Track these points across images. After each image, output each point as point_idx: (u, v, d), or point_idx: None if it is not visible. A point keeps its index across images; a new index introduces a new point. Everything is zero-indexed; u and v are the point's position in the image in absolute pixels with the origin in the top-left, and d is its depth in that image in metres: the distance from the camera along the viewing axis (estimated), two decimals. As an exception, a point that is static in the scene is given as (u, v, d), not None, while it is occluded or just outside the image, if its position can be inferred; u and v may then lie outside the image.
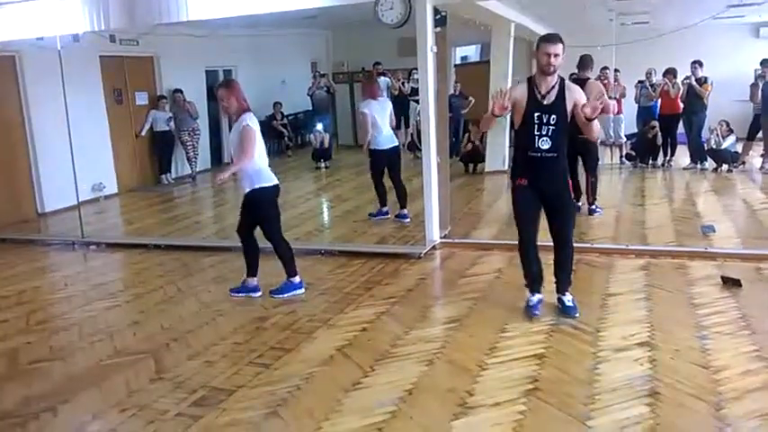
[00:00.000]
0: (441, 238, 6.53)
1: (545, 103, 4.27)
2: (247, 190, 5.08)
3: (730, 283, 5.00)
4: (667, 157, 10.70)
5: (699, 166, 10.25)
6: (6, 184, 8.64)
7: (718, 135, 10.00)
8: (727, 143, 10.00)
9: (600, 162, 7.86)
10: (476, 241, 6.56)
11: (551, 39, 4.23)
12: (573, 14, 10.16)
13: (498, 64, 10.11)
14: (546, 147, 4.28)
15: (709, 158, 10.19)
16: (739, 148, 10.12)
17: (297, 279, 5.33)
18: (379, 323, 4.63)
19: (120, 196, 10.17)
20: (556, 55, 4.17)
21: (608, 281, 5.31)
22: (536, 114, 4.27)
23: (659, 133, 10.52)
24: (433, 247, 6.38)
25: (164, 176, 10.97)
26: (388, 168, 7.51)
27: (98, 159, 9.60)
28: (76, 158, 7.75)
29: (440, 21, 6.28)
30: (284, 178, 11.34)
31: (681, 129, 10.49)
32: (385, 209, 7.67)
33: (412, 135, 11.82)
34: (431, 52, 6.20)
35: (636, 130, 11.19)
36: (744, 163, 10.16)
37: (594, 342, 4.11)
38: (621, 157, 11.17)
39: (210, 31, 10.26)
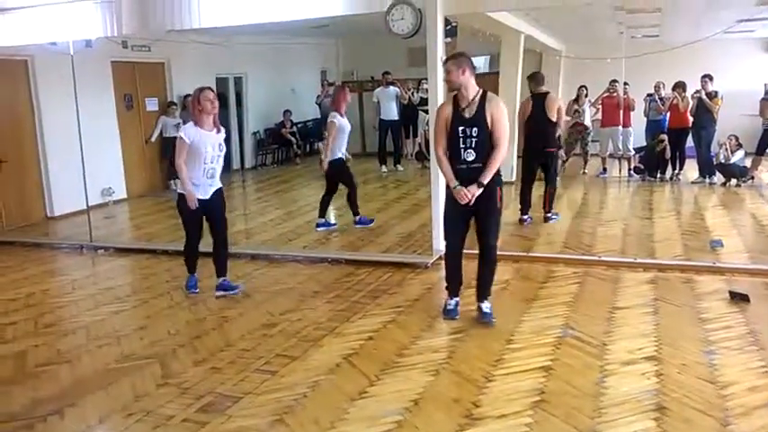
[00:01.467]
0: (448, 248, 6.52)
1: (467, 116, 4.52)
2: (220, 186, 5.50)
3: (738, 298, 4.99)
4: (676, 171, 10.68)
5: (707, 180, 10.23)
6: (17, 188, 8.70)
7: (727, 149, 9.99)
8: (736, 158, 9.98)
9: (559, 174, 8.27)
10: (483, 252, 6.56)
11: (444, 61, 4.68)
12: (583, 27, 10.18)
13: (507, 75, 10.12)
14: (471, 158, 4.53)
15: (717, 173, 10.17)
16: (748, 162, 10.09)
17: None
18: (386, 332, 4.63)
19: (128, 201, 10.22)
20: (448, 72, 4.53)
21: (615, 294, 5.30)
22: (460, 128, 4.53)
23: (668, 147, 10.51)
24: (440, 257, 6.36)
25: (172, 182, 10.97)
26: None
27: (108, 164, 9.65)
28: (86, 163, 7.81)
29: (450, 31, 6.32)
30: (292, 186, 11.46)
31: (690, 142, 10.48)
32: (322, 220, 7.76)
33: (420, 145, 11.85)
34: (441, 62, 6.21)
35: (645, 144, 11.18)
36: (753, 178, 10.13)
37: (601, 355, 4.11)
38: (630, 170, 11.15)
39: (222, 39, 10.32)
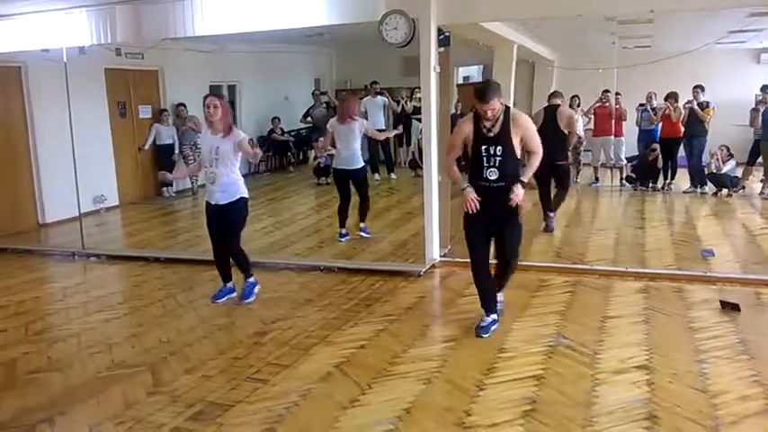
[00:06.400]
0: (440, 256, 6.54)
1: (490, 135, 4.42)
2: (237, 197, 5.33)
3: (729, 307, 5.01)
4: (667, 181, 10.74)
5: (699, 189, 10.29)
6: (8, 194, 8.66)
7: (718, 159, 10.05)
8: (728, 168, 10.05)
9: (573, 184, 8.31)
10: (475, 260, 6.58)
11: (484, 97, 4.32)
12: (575, 37, 10.23)
13: (500, 84, 10.17)
14: (494, 177, 4.43)
15: (709, 182, 10.24)
16: (739, 172, 10.16)
17: (253, 278, 5.66)
18: (378, 341, 4.63)
19: (121, 208, 10.19)
20: (492, 109, 4.33)
21: (607, 303, 5.31)
22: (483, 147, 4.43)
23: (660, 156, 10.57)
24: (433, 266, 6.39)
25: (165, 190, 10.98)
26: (354, 187, 7.50)
27: (100, 171, 9.64)
28: (79, 170, 7.78)
29: (443, 41, 6.35)
30: (285, 194, 11.47)
31: (681, 152, 10.54)
32: (343, 230, 7.62)
33: (413, 153, 11.89)
34: (434, 72, 6.25)
35: (637, 153, 11.24)
36: (744, 188, 10.20)
37: (593, 364, 4.11)
38: (622, 179, 11.21)
39: (216, 47, 10.34)
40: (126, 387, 4.02)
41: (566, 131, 7.61)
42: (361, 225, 7.60)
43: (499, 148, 4.39)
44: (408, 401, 3.68)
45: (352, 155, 7.31)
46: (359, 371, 4.12)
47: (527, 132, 4.49)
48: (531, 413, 3.50)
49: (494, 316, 4.74)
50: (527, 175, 4.49)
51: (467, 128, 4.51)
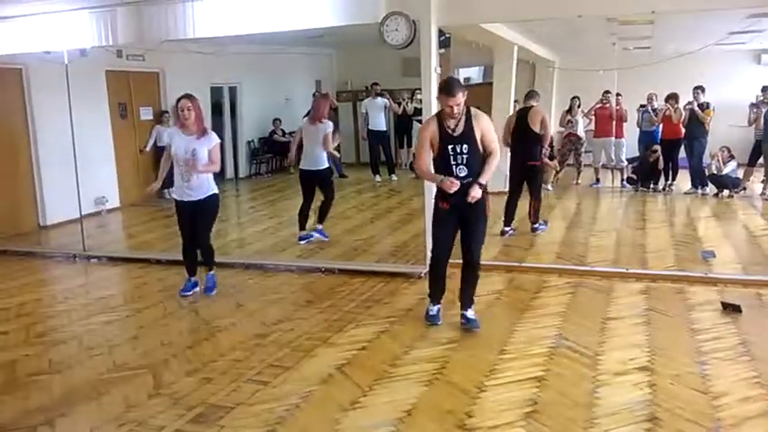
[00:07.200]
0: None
1: (456, 134, 4.53)
2: (209, 194, 5.62)
3: (730, 308, 5.00)
4: (668, 182, 10.74)
5: (700, 191, 10.29)
6: (9, 196, 8.66)
7: (719, 160, 10.05)
8: (728, 169, 10.04)
9: (544, 187, 8.16)
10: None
11: (451, 91, 4.43)
12: (575, 38, 10.24)
13: (501, 85, 10.18)
14: (463, 174, 4.55)
15: (710, 184, 10.23)
16: (740, 173, 10.16)
17: (213, 271, 5.94)
18: (379, 342, 4.63)
19: (122, 210, 10.19)
20: (458, 104, 4.43)
21: (608, 304, 5.30)
22: (449, 146, 4.54)
23: (660, 158, 10.56)
24: (434, 267, 6.38)
25: (166, 191, 10.95)
26: (320, 189, 7.51)
27: (101, 173, 9.62)
28: (80, 172, 7.78)
29: (444, 42, 6.35)
30: (286, 195, 11.45)
31: (682, 153, 10.54)
32: (303, 233, 7.59)
33: (414, 155, 11.87)
34: (435, 73, 6.25)
35: (637, 154, 11.24)
36: (745, 189, 10.20)
37: (594, 365, 4.11)
38: (622, 180, 11.21)
39: (217, 48, 10.34)
40: (127, 389, 4.02)
41: (536, 132, 7.50)
42: (318, 226, 7.53)
43: (465, 146, 4.52)
44: (409, 403, 3.68)
45: (318, 156, 7.34)
46: (360, 372, 4.12)
47: (486, 131, 4.61)
48: (533, 414, 3.50)
49: (439, 306, 4.95)
50: (485, 178, 4.59)
51: (432, 127, 4.62)
